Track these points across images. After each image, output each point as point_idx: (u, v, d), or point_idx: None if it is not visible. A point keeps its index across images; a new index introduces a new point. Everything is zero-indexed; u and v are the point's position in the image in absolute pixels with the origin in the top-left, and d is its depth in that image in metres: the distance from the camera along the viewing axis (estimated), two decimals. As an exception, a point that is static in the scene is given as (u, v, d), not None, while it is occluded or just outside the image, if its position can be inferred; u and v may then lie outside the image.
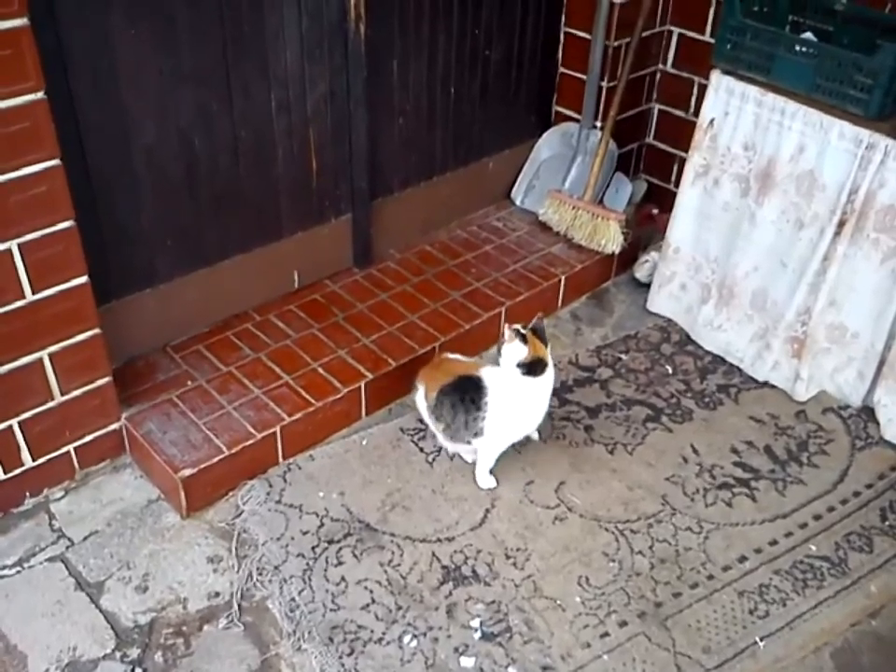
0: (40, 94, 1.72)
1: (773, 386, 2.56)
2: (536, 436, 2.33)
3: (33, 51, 1.67)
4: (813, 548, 2.08)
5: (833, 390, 2.52)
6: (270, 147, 2.36)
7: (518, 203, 3.13)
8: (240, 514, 2.10)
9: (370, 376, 2.36)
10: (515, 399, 2.11)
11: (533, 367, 2.09)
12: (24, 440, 2.03)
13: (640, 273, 2.94)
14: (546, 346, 2.14)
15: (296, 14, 2.24)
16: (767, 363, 2.56)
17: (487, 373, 2.13)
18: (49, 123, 1.75)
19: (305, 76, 2.34)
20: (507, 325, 2.13)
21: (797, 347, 2.49)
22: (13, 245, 1.82)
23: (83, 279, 1.96)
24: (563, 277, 2.80)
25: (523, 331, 2.09)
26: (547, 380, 2.14)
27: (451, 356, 2.27)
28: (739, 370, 2.62)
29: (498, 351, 2.13)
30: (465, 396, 2.10)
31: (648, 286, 2.87)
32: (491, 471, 2.22)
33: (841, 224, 2.30)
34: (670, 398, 2.51)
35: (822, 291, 2.38)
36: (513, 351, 2.08)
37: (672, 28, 2.96)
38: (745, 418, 2.45)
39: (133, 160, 2.11)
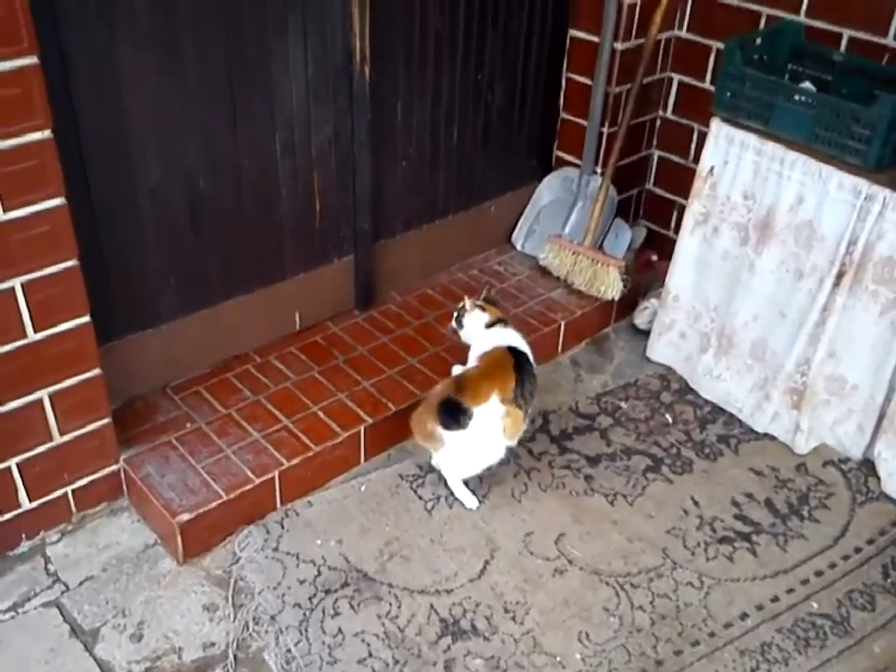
0: (47, 133, 1.72)
1: (773, 438, 2.56)
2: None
3: (41, 90, 1.68)
4: (815, 605, 2.06)
5: (833, 443, 2.52)
6: (274, 188, 2.37)
7: (519, 247, 3.15)
8: (237, 561, 2.07)
9: (369, 420, 2.35)
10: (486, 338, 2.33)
11: (498, 323, 2.35)
12: (22, 481, 2.01)
13: (640, 319, 2.94)
14: (497, 306, 2.43)
15: (302, 57, 2.26)
16: (767, 414, 2.56)
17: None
18: (56, 162, 1.76)
19: (310, 118, 2.36)
20: (466, 297, 2.40)
21: (797, 399, 2.49)
22: (16, 283, 1.81)
23: (85, 319, 1.95)
24: (563, 323, 2.80)
25: (479, 303, 2.38)
26: (506, 332, 2.35)
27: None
28: (739, 420, 2.61)
29: (458, 323, 2.37)
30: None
31: (647, 332, 2.87)
32: (476, 494, 2.29)
33: (840, 275, 2.30)
34: (670, 447, 2.51)
35: (822, 342, 2.39)
36: (476, 318, 2.35)
37: (672, 75, 2.99)
38: (745, 470, 2.44)
39: (139, 199, 2.12)
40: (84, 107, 1.93)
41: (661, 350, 2.82)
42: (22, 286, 1.82)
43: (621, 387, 2.73)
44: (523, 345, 2.31)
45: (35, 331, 1.88)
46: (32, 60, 1.64)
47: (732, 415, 2.63)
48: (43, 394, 1.96)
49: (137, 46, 1.96)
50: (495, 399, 2.14)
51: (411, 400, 2.42)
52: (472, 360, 2.31)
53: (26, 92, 1.65)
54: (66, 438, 2.05)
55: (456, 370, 2.42)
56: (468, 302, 2.38)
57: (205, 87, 2.12)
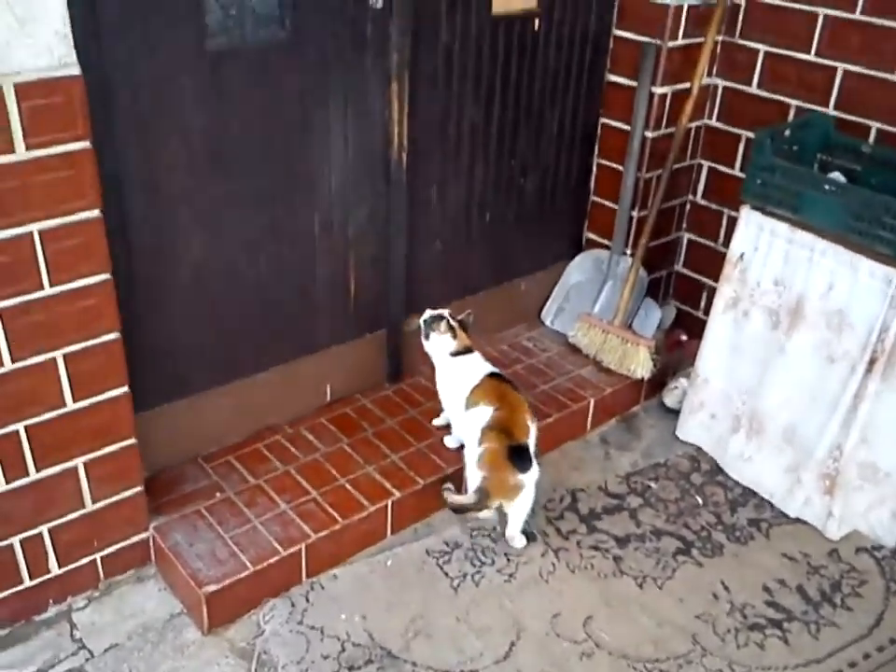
0: (96, 213, 1.80)
1: (805, 523, 2.52)
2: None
3: (92, 172, 1.76)
4: (849, 698, 2.01)
5: (866, 529, 2.48)
6: (311, 266, 2.44)
7: (548, 323, 3.18)
8: (261, 634, 2.07)
9: (397, 494, 2.36)
10: (452, 374, 2.46)
11: (462, 352, 2.46)
12: (53, 547, 2.04)
13: (669, 399, 2.94)
14: (468, 333, 2.50)
15: (342, 144, 2.34)
16: (798, 499, 2.53)
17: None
18: (103, 240, 1.83)
19: (348, 200, 2.44)
20: (445, 311, 2.48)
21: (829, 484, 2.46)
22: (58, 354, 1.87)
23: (123, 390, 2.00)
24: (592, 400, 2.81)
25: (452, 324, 2.44)
26: (474, 359, 2.48)
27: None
28: (770, 504, 2.59)
29: (425, 334, 2.46)
30: None
31: (677, 412, 2.87)
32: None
33: (872, 362, 2.30)
34: (700, 530, 2.48)
35: (854, 428, 2.37)
36: (444, 343, 2.44)
37: (702, 162, 3.06)
38: (776, 555, 2.41)
39: (179, 276, 2.19)
40: (131, 188, 2.01)
41: (691, 430, 2.81)
42: (64, 357, 1.87)
43: (650, 467, 2.72)
44: (491, 366, 2.48)
45: (75, 401, 1.93)
46: (85, 144, 1.72)
47: (763, 499, 2.60)
48: (78, 462, 2.00)
49: (184, 135, 2.05)
50: (531, 424, 2.35)
51: (438, 474, 2.43)
52: (453, 392, 2.45)
53: (79, 174, 1.73)
54: (98, 505, 2.08)
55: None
56: (443, 324, 2.43)
57: (248, 171, 2.20)
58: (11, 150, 1.64)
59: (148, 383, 2.20)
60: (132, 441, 2.07)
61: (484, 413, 2.33)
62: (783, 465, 2.57)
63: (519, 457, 2.26)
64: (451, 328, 2.44)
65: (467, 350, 2.47)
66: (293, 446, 2.51)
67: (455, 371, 2.46)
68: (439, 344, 2.46)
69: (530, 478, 2.28)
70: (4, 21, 1.55)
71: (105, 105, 1.86)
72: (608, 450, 2.80)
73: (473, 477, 2.28)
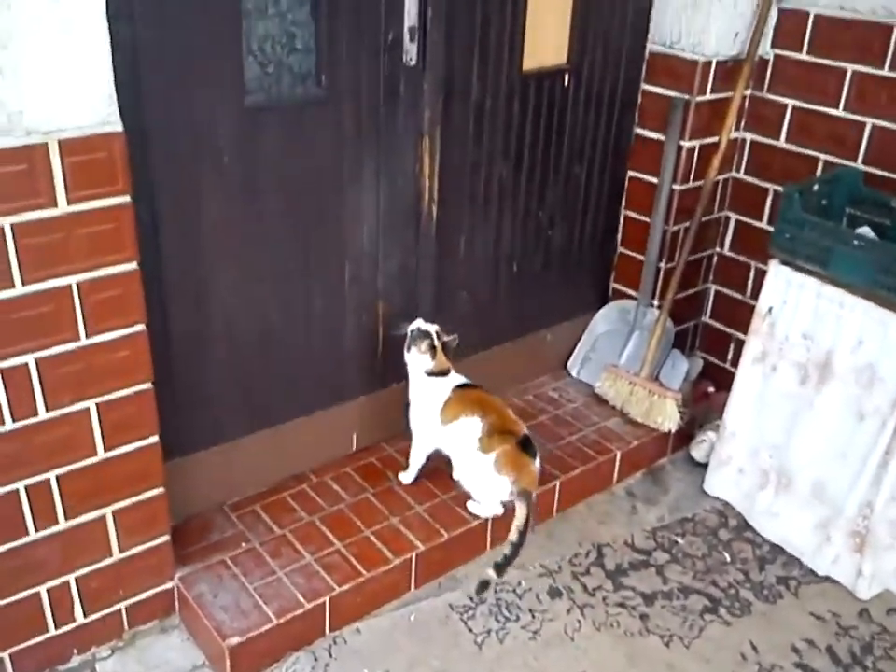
0: (133, 265, 1.82)
1: (834, 581, 2.48)
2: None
3: (131, 226, 1.79)
4: None
5: (898, 590, 2.44)
6: (340, 317, 2.46)
7: (574, 374, 3.18)
8: (283, 688, 2.06)
9: (421, 547, 2.34)
10: (425, 392, 2.47)
11: (438, 374, 2.46)
12: (79, 595, 2.04)
13: (697, 452, 2.92)
14: (449, 357, 2.48)
15: (374, 197, 2.38)
16: (828, 556, 2.49)
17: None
18: (139, 291, 1.85)
19: (378, 252, 2.46)
20: (433, 329, 2.44)
21: (859, 542, 2.42)
22: (91, 404, 1.88)
23: (154, 439, 2.01)
24: (619, 453, 2.79)
25: (435, 344, 2.42)
26: (449, 381, 2.48)
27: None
28: (799, 561, 2.55)
29: (407, 345, 2.44)
30: None
31: (704, 465, 2.84)
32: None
33: (902, 418, 2.29)
34: (728, 587, 2.44)
35: (884, 485, 2.34)
36: (422, 362, 2.44)
37: (730, 214, 3.07)
38: (806, 614, 2.37)
39: (212, 326, 2.21)
40: (168, 240, 2.04)
41: (718, 484, 2.79)
42: (98, 406, 1.89)
43: (677, 522, 2.69)
44: (459, 378, 2.50)
45: (106, 450, 1.94)
46: (125, 199, 1.76)
47: (792, 556, 2.57)
48: (107, 510, 2.01)
49: (222, 192, 2.09)
50: (513, 414, 2.48)
51: (463, 527, 2.42)
52: (424, 409, 2.48)
53: (117, 228, 1.76)
54: (125, 554, 2.08)
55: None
56: (424, 344, 2.41)
57: (282, 226, 2.24)
58: (54, 205, 1.67)
59: (178, 431, 2.21)
60: (160, 489, 2.08)
61: (472, 424, 2.38)
62: (812, 521, 2.54)
63: (530, 447, 2.41)
64: (432, 348, 2.42)
65: (442, 373, 2.47)
66: (318, 496, 2.51)
67: (427, 390, 2.47)
68: (417, 361, 2.44)
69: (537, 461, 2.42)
70: (50, 82, 1.60)
71: (144, 160, 1.90)
72: (634, 503, 2.77)
73: (495, 485, 2.36)
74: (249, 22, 1.98)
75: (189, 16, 1.88)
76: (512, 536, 2.26)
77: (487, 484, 2.39)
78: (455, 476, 2.48)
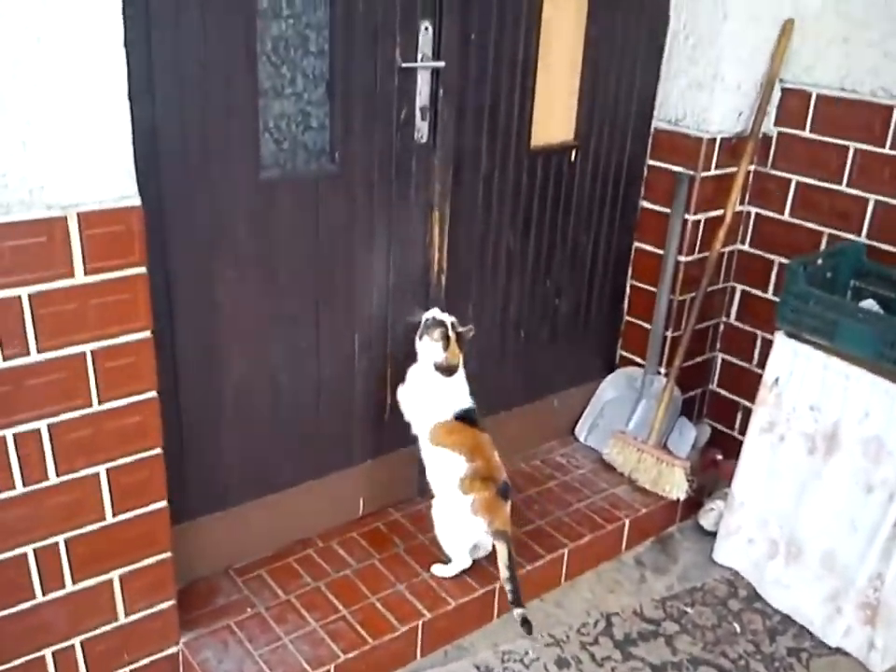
0: (147, 334, 1.86)
1: (846, 654, 2.45)
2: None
3: (146, 296, 1.83)
4: None
5: (910, 664, 2.40)
6: (349, 382, 2.50)
7: (582, 439, 3.19)
8: (286, 759, 2.04)
9: (427, 615, 2.33)
10: (426, 388, 2.42)
11: (446, 370, 2.38)
12: (84, 660, 2.03)
13: (705, 521, 2.91)
14: (462, 351, 2.41)
15: (384, 267, 2.43)
16: (839, 628, 2.46)
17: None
18: (152, 359, 1.89)
19: (387, 319, 2.51)
20: (448, 318, 2.40)
21: (870, 614, 2.40)
22: (101, 469, 1.90)
23: (162, 504, 2.03)
24: (627, 520, 2.79)
25: (449, 334, 2.35)
26: (457, 379, 2.43)
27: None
28: (810, 632, 2.52)
29: (419, 336, 2.39)
30: None
31: (713, 534, 2.83)
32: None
33: (911, 490, 2.28)
34: (738, 659, 2.41)
35: (895, 558, 2.32)
36: (433, 350, 2.36)
37: (735, 284, 3.10)
38: (817, 689, 2.34)
39: (223, 392, 2.25)
40: (181, 311, 2.09)
41: (728, 554, 2.77)
42: (108, 471, 1.91)
43: (687, 591, 2.67)
44: (466, 399, 2.45)
45: (114, 514, 1.96)
46: (141, 270, 1.80)
47: (802, 627, 2.54)
48: (114, 574, 2.01)
49: (234, 258, 2.15)
50: (497, 456, 2.45)
51: (470, 595, 2.41)
52: (417, 402, 2.46)
53: (133, 298, 1.81)
54: (131, 618, 2.08)
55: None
56: (437, 331, 2.35)
57: (294, 295, 2.29)
58: (71, 275, 1.72)
59: (185, 496, 2.23)
60: (167, 554, 2.08)
61: (457, 462, 2.38)
62: (822, 593, 2.51)
63: (506, 492, 2.42)
64: (445, 337, 2.36)
65: (451, 370, 2.40)
66: (324, 561, 2.51)
67: (429, 387, 2.42)
68: (427, 350, 2.39)
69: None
70: (72, 157, 1.66)
71: (160, 231, 1.96)
72: (643, 572, 2.76)
73: (472, 525, 2.38)
74: (266, 101, 2.06)
75: (207, 95, 1.96)
76: (503, 574, 2.33)
77: (462, 524, 2.40)
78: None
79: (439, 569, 2.48)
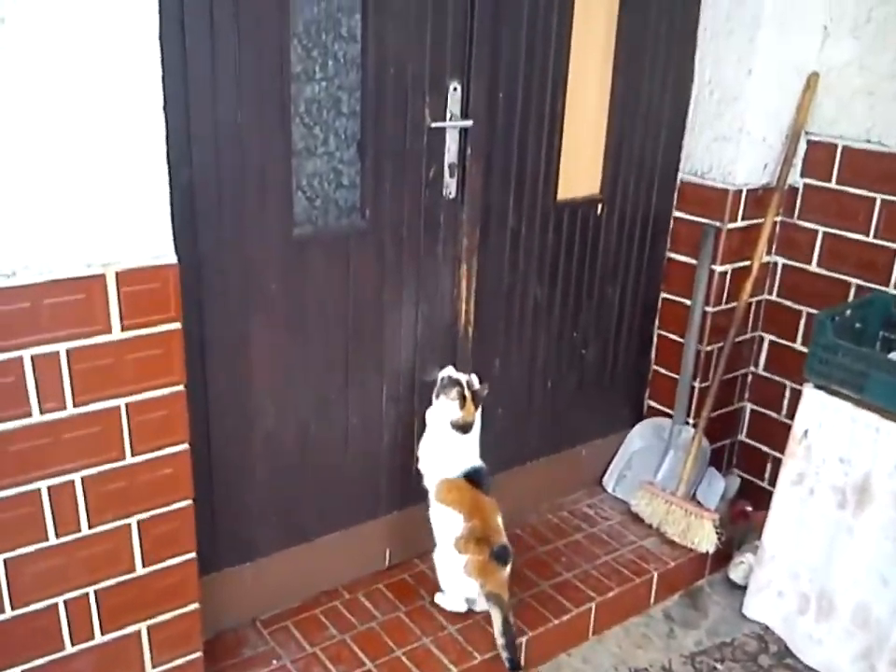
0: (180, 388, 1.89)
1: (880, 715, 2.39)
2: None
3: (180, 350, 1.86)
4: None
5: (947, 728, 2.34)
6: (377, 433, 2.51)
7: (610, 490, 3.17)
8: None
9: (453, 670, 2.32)
10: (440, 441, 2.44)
11: (461, 427, 2.41)
12: (111, 713, 2.04)
13: (735, 574, 2.87)
14: (477, 409, 2.43)
15: (413, 320, 2.46)
16: (873, 688, 2.41)
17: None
18: (185, 413, 1.91)
19: (415, 372, 2.53)
20: (466, 378, 2.40)
21: (905, 674, 2.35)
22: (133, 520, 1.92)
23: (191, 555, 2.04)
24: (656, 574, 2.76)
25: (465, 393, 2.37)
26: (471, 437, 2.45)
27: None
28: (843, 691, 2.47)
29: (435, 395, 2.41)
30: None
31: (743, 587, 2.79)
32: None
33: (945, 547, 2.24)
34: (769, 720, 2.37)
35: (930, 616, 2.29)
36: (449, 409, 2.38)
37: (763, 335, 3.10)
38: (851, 752, 2.28)
39: (253, 443, 2.27)
40: (214, 365, 2.13)
41: (758, 608, 2.73)
42: (138, 522, 1.93)
43: (716, 647, 2.63)
44: (476, 459, 2.47)
45: (144, 566, 1.97)
46: (176, 326, 1.84)
47: (835, 685, 2.49)
48: (143, 626, 2.02)
49: (268, 317, 2.19)
50: (500, 519, 2.45)
51: (495, 651, 2.38)
52: (431, 457, 2.47)
53: (167, 352, 1.84)
54: (158, 670, 2.08)
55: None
56: (454, 391, 2.36)
57: (323, 348, 2.32)
58: (108, 331, 1.75)
59: (215, 547, 2.25)
60: (195, 605, 2.09)
61: (455, 520, 2.39)
62: (855, 650, 2.46)
63: (502, 556, 2.40)
64: (462, 397, 2.37)
65: (466, 427, 2.41)
66: (350, 613, 2.51)
67: (444, 444, 2.44)
68: (444, 409, 2.40)
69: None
70: (112, 217, 1.70)
71: (195, 287, 2.01)
72: (671, 626, 2.72)
73: (464, 585, 2.42)
74: (299, 161, 2.12)
75: (243, 155, 2.01)
76: (498, 640, 2.33)
77: (456, 580, 2.44)
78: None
79: (440, 598, 2.54)
